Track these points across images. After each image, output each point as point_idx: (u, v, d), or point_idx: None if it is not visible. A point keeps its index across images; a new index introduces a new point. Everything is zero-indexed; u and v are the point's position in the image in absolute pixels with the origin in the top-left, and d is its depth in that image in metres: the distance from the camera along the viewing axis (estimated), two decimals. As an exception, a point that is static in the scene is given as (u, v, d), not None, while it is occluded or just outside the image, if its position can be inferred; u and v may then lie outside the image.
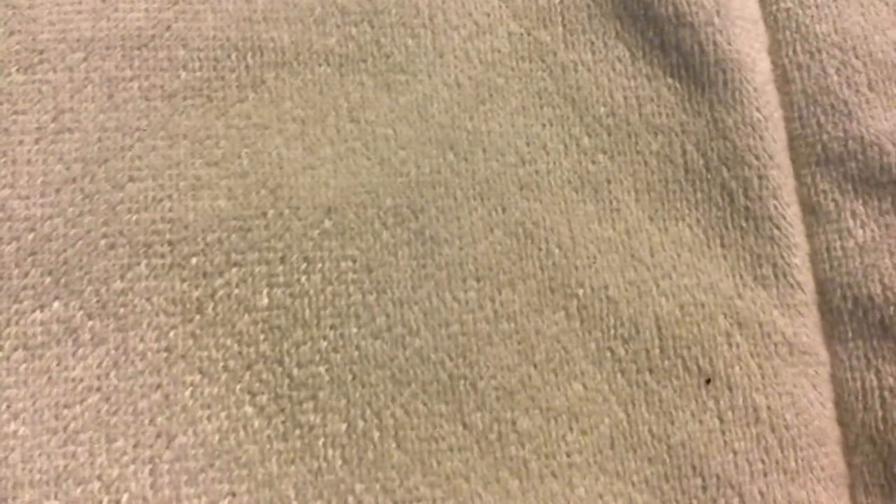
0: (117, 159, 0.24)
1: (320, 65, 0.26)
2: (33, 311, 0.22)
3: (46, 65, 0.25)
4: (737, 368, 0.24)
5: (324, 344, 0.23)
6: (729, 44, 0.26)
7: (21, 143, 0.24)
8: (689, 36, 0.26)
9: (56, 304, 0.23)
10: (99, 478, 0.21)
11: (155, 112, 0.25)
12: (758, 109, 0.26)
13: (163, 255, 0.23)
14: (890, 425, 0.24)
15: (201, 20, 0.26)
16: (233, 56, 0.26)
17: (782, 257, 0.25)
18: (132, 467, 0.22)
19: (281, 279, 0.23)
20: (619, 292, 0.25)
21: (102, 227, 0.24)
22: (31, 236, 0.23)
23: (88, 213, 0.24)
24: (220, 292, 0.23)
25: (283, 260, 0.24)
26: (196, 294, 0.23)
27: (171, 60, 0.26)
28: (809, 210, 0.26)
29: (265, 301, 0.23)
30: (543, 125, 0.26)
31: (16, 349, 0.22)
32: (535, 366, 0.24)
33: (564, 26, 0.27)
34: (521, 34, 0.27)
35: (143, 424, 0.22)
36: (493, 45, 0.27)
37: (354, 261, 0.24)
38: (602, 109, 0.26)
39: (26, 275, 0.23)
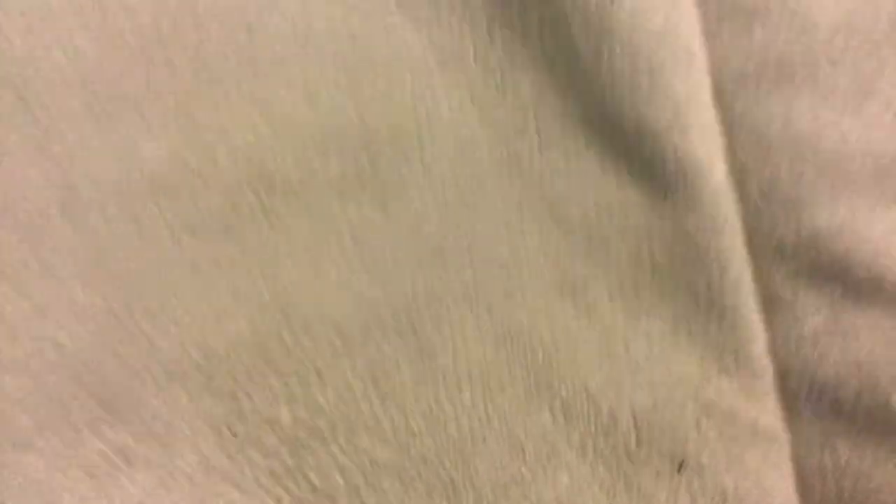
0: (150, 291, 0.27)
1: (324, 192, 0.28)
2: (90, 437, 0.25)
3: (82, 207, 0.28)
4: (706, 452, 0.26)
5: (339, 454, 0.26)
6: (687, 150, 0.28)
7: (64, 282, 0.27)
8: (651, 143, 0.28)
9: (106, 430, 0.25)
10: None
11: (180, 246, 0.28)
12: (716, 209, 0.28)
13: (194, 379, 0.26)
14: (846, 497, 0.26)
15: (216, 154, 0.29)
16: (245, 188, 0.28)
17: (743, 347, 0.27)
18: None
19: (299, 396, 0.26)
20: (598, 388, 0.27)
21: (140, 354, 0.26)
22: (79, 366, 0.26)
23: (128, 342, 0.27)
24: (247, 411, 0.26)
25: (299, 378, 0.26)
26: (226, 414, 0.26)
27: (192, 196, 0.28)
28: (767, 300, 0.28)
29: (288, 418, 0.26)
30: (524, 233, 0.28)
31: (79, 475, 0.25)
32: (525, 462, 0.26)
33: (539, 137, 0.29)
34: (501, 148, 0.29)
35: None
36: (476, 161, 0.29)
37: (362, 377, 0.27)
38: (576, 213, 0.28)
39: (77, 399, 0.25)
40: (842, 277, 0.27)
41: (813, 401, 0.27)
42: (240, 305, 0.27)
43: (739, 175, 0.29)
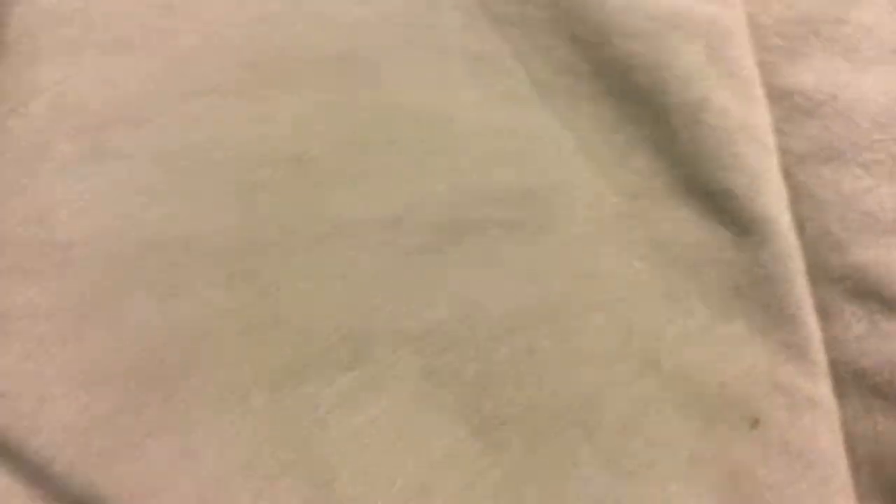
0: (387, 287, 0.39)
1: (496, 229, 0.40)
2: (339, 376, 0.37)
3: (345, 237, 0.41)
4: (774, 416, 0.36)
5: (506, 398, 0.36)
6: (761, 204, 0.39)
7: (331, 283, 0.40)
8: (734, 201, 0.39)
9: (348, 374, 0.37)
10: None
11: (400, 259, 0.40)
12: (783, 247, 0.38)
13: (411, 343, 0.38)
14: (884, 455, 0.35)
15: (425, 206, 0.42)
16: (446, 227, 0.41)
17: (804, 344, 0.37)
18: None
19: (479, 358, 0.37)
20: (694, 366, 0.37)
21: (379, 324, 0.38)
22: (338, 330, 0.38)
23: (371, 318, 0.39)
24: (444, 365, 0.37)
25: (479, 345, 0.38)
26: (430, 365, 0.37)
27: (412, 230, 0.41)
28: (823, 312, 0.37)
29: (471, 371, 0.37)
30: (639, 260, 0.39)
31: (335, 401, 0.37)
32: (637, 412, 0.36)
33: (650, 195, 0.41)
34: (622, 202, 0.41)
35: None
36: (603, 211, 0.41)
37: (523, 347, 0.37)
38: (678, 250, 0.39)
39: (336, 353, 0.37)
40: (877, 297, 0.37)
41: (857, 383, 0.36)
42: (441, 297, 0.39)
43: (800, 224, 0.39)
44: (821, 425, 0.35)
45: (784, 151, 0.41)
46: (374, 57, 0.44)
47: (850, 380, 0.36)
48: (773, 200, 0.39)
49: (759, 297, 0.38)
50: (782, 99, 0.42)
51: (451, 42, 0.45)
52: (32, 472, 0.37)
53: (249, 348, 0.38)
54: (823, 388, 0.36)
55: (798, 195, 0.40)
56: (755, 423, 0.36)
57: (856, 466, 0.35)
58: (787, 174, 0.40)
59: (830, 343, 0.37)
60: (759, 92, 0.42)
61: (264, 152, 0.43)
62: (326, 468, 0.36)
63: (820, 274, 0.38)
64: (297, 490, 0.35)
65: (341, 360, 0.38)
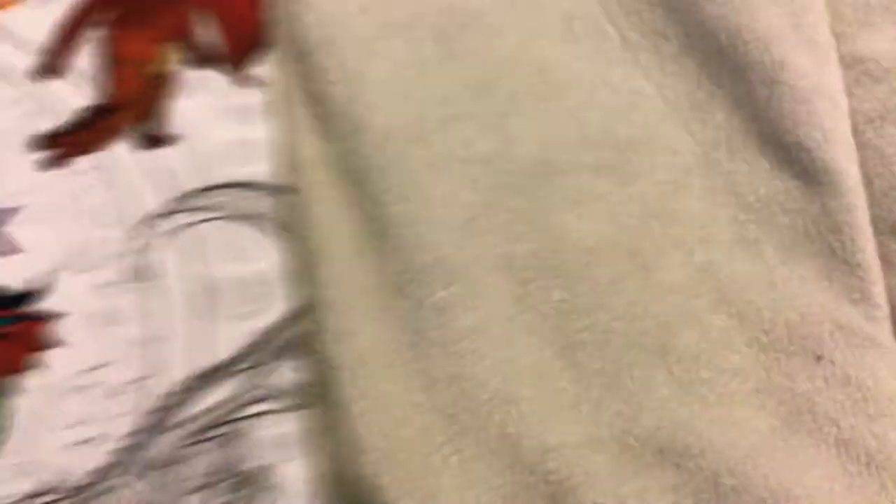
0: (481, 220, 0.42)
1: (582, 172, 0.43)
2: (440, 290, 0.40)
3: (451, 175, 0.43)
4: (837, 353, 0.38)
5: (587, 324, 0.39)
6: (832, 160, 0.41)
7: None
8: (807, 155, 0.41)
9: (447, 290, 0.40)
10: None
11: (490, 199, 0.43)
12: (851, 199, 0.40)
13: (510, 269, 0.40)
14: (937, 391, 0.37)
15: (517, 148, 0.44)
16: (537, 168, 0.43)
17: (867, 289, 0.39)
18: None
19: (563, 286, 0.40)
20: (763, 303, 0.39)
21: (486, 252, 0.41)
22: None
23: (482, 244, 0.41)
24: (533, 290, 0.40)
25: (563, 275, 0.40)
26: (523, 288, 0.40)
27: (505, 170, 0.43)
28: (886, 261, 0.40)
29: (556, 297, 0.40)
30: (715, 206, 0.42)
31: (431, 313, 0.39)
32: (709, 341, 0.38)
33: (728, 146, 0.43)
34: (702, 155, 0.43)
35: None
36: (684, 161, 0.43)
37: (604, 278, 0.40)
38: (752, 198, 0.42)
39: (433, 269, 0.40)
40: (939, 249, 0.39)
41: (915, 327, 0.38)
42: (531, 230, 0.41)
43: (867, 179, 0.41)
44: (880, 364, 0.38)
45: (855, 112, 0.43)
46: (478, 11, 0.47)
47: (909, 323, 0.38)
48: (843, 155, 0.41)
49: (826, 244, 0.40)
50: (854, 65, 0.44)
51: (549, 2, 0.47)
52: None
53: (358, 262, 0.41)
54: (884, 331, 0.38)
55: (867, 152, 0.42)
56: (818, 359, 0.38)
57: (910, 400, 0.37)
58: (857, 132, 0.42)
59: (892, 290, 0.39)
60: (834, 57, 0.44)
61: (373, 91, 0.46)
62: (423, 374, 0.38)
63: (884, 225, 0.40)
64: (397, 394, 0.38)
65: (438, 278, 0.40)
